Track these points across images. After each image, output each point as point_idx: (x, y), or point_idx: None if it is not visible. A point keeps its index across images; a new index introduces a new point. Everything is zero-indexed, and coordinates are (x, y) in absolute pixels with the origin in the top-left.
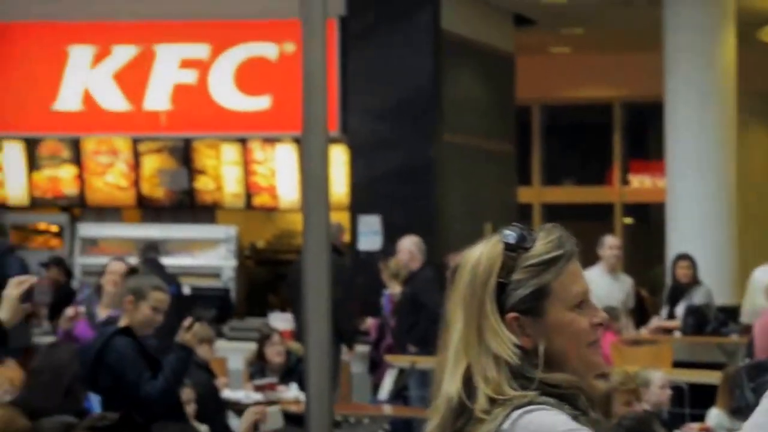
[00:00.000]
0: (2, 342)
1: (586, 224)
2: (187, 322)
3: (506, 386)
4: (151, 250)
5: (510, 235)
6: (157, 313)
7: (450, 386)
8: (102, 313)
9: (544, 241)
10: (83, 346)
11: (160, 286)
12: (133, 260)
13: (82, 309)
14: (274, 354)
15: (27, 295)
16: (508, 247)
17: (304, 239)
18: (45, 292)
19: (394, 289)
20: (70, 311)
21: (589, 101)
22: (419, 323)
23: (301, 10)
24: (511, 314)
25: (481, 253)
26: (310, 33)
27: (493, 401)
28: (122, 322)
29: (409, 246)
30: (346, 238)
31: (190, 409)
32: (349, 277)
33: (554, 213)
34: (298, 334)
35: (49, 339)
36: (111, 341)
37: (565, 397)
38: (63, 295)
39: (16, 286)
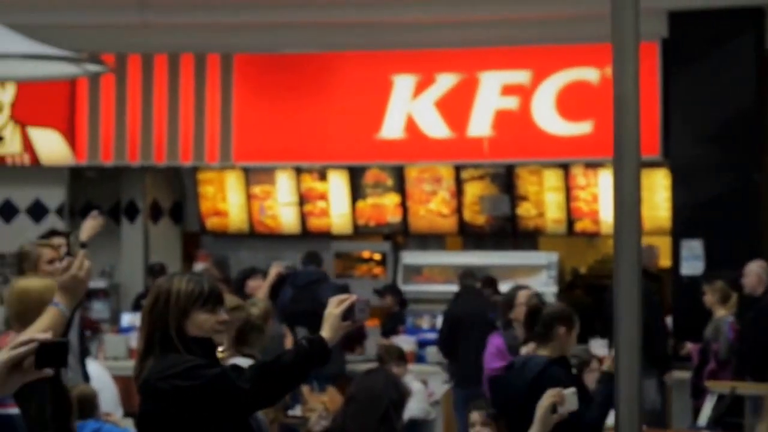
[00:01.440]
0: (325, 360)
1: None
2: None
3: None
4: (468, 277)
5: None
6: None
7: None
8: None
9: None
10: (497, 376)
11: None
12: (455, 288)
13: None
14: (592, 381)
15: (348, 314)
16: None
17: (615, 264)
18: (364, 310)
19: (719, 313)
20: (530, 347)
21: None
22: (756, 351)
23: (613, 34)
24: None
25: None
26: (622, 57)
27: None
28: (543, 352)
29: (757, 270)
30: (667, 262)
31: None
32: (659, 301)
33: None
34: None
35: (366, 366)
36: (548, 370)
37: None
38: (393, 325)
39: (337, 305)
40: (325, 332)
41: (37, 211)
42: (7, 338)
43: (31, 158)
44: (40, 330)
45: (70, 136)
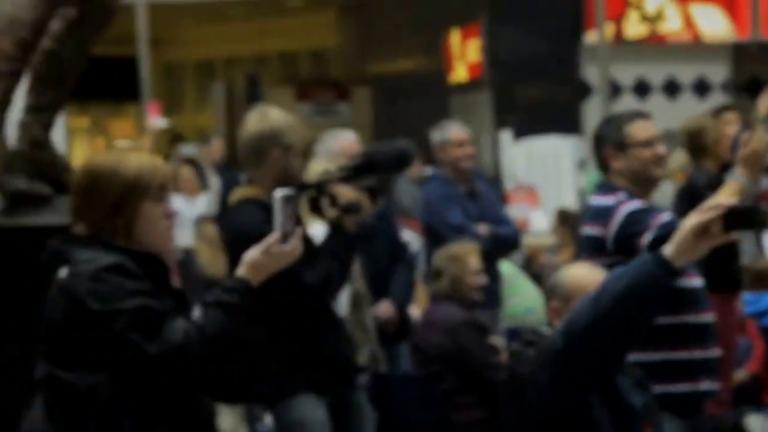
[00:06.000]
0: None
1: None
2: None
3: None
4: None
5: None
6: None
7: None
8: None
9: None
10: None
11: None
12: None
13: None
14: None
15: None
16: None
17: None
18: None
19: None
20: None
21: None
22: None
23: None
24: None
25: None
26: None
27: None
28: None
29: None
30: None
31: None
32: None
33: None
34: None
35: None
36: None
37: None
38: None
39: None
40: None
41: (701, 87)
42: None
43: (693, 35)
44: (727, 197)
45: (732, 12)
